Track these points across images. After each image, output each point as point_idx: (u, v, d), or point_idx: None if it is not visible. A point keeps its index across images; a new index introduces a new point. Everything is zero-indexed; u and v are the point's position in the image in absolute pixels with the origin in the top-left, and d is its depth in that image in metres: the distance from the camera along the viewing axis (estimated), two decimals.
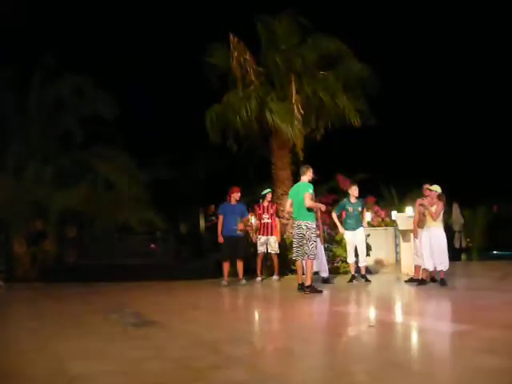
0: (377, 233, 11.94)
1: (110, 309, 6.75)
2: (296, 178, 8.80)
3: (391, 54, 19.23)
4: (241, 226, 9.54)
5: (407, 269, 9.79)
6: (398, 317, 5.85)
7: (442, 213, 8.17)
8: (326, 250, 9.85)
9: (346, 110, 11.40)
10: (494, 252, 15.86)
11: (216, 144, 11.83)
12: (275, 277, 10.08)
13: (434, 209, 8.08)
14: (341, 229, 9.38)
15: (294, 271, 9.46)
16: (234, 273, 9.74)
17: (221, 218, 9.57)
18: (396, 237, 11.80)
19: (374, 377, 3.26)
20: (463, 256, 15.58)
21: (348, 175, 12.91)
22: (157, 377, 3.38)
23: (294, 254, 8.01)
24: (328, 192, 12.85)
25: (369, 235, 10.55)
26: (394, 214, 10.91)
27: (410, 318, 5.63)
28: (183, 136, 16.40)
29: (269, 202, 10.32)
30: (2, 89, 12.43)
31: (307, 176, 8.04)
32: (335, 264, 10.64)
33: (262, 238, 10.06)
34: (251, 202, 10.71)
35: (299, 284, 7.93)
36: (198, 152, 16.61)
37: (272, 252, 10.08)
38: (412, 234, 9.22)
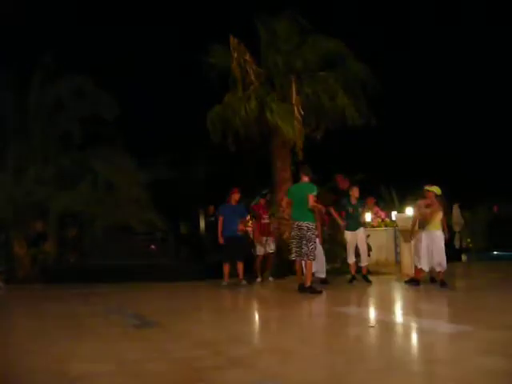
0: (377, 233, 11.95)
1: (111, 310, 6.75)
2: (296, 179, 8.79)
3: (391, 54, 19.23)
4: (241, 227, 9.53)
5: (407, 269, 9.79)
6: (398, 317, 5.85)
7: (439, 214, 8.16)
8: (325, 250, 9.84)
9: (345, 111, 11.40)
10: (494, 253, 15.85)
11: (216, 144, 11.84)
12: (271, 278, 10.12)
13: (430, 210, 8.10)
14: (340, 221, 9.37)
15: (294, 272, 9.44)
16: (234, 274, 9.73)
17: (221, 218, 9.56)
18: (396, 237, 11.80)
19: (374, 377, 3.25)
20: (463, 256, 15.58)
21: (348, 175, 12.91)
22: (157, 378, 3.38)
23: (294, 255, 7.92)
24: (328, 192, 12.84)
25: (369, 236, 10.55)
26: (394, 215, 10.92)
27: (410, 319, 5.63)
28: (183, 136, 16.39)
29: (265, 202, 10.34)
30: (2, 89, 12.43)
31: (309, 176, 8.03)
32: (335, 264, 10.64)
33: (263, 239, 10.07)
34: (249, 202, 10.70)
35: (300, 284, 7.92)
36: (198, 152, 16.59)
37: (270, 252, 10.09)
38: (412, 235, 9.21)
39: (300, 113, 11.03)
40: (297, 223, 7.84)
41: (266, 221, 10.18)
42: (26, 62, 12.71)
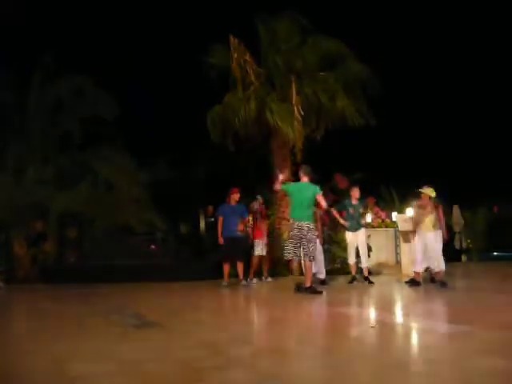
0: (377, 234, 11.94)
1: (111, 310, 6.75)
2: (296, 179, 8.78)
3: (391, 54, 19.23)
4: (241, 227, 9.52)
5: (407, 270, 9.78)
6: (399, 318, 5.85)
7: (432, 216, 8.15)
8: (325, 251, 9.84)
9: (345, 111, 11.41)
10: (495, 253, 15.86)
11: (216, 144, 11.85)
12: (269, 278, 10.12)
13: (419, 211, 8.11)
14: (343, 222, 9.35)
15: (290, 272, 9.45)
16: (234, 274, 9.73)
17: (221, 219, 9.55)
18: (396, 238, 11.80)
19: (374, 377, 3.25)
20: (463, 257, 15.59)
21: (347, 175, 12.91)
22: (157, 378, 3.37)
23: (290, 255, 7.85)
24: (328, 192, 12.83)
25: (369, 236, 10.55)
26: (395, 215, 10.92)
27: (411, 319, 5.62)
28: (183, 136, 16.40)
29: (262, 203, 10.35)
30: (2, 89, 12.43)
31: (309, 176, 8.01)
32: (335, 265, 10.63)
33: (261, 241, 10.06)
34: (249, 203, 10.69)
35: (296, 285, 7.90)
36: (198, 152, 16.60)
37: (264, 253, 10.09)
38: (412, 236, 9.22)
39: (300, 113, 11.04)
40: (297, 223, 7.79)
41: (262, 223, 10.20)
42: (25, 62, 12.73)
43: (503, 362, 3.44)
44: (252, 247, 10.14)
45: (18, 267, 12.43)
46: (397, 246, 11.89)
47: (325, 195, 9.97)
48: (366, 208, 9.64)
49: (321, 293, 7.69)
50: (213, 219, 11.82)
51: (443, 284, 7.96)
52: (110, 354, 4.06)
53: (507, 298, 6.81)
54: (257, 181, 12.76)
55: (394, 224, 11.55)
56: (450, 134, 21.36)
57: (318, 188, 7.85)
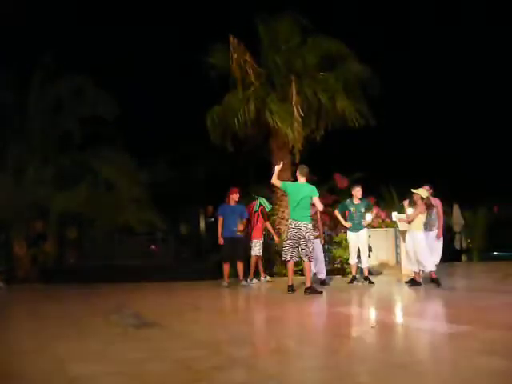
0: (377, 234, 11.93)
1: (111, 310, 6.74)
2: (295, 179, 8.76)
3: (391, 54, 19.24)
4: (241, 227, 9.52)
5: (407, 270, 9.77)
6: (399, 318, 5.84)
7: (422, 216, 8.17)
8: (325, 251, 9.83)
9: (345, 111, 11.40)
10: (495, 253, 15.86)
11: (216, 145, 11.84)
12: (268, 277, 10.12)
13: (410, 210, 8.12)
14: (345, 223, 9.33)
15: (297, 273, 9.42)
16: (234, 274, 9.73)
17: (221, 219, 9.54)
18: (396, 238, 11.79)
19: (374, 378, 3.25)
20: (463, 257, 15.59)
21: (347, 175, 12.91)
22: (157, 378, 3.37)
23: (288, 256, 7.84)
24: (328, 193, 12.85)
25: (369, 236, 10.54)
26: (395, 215, 10.90)
27: (411, 319, 5.62)
28: (183, 136, 16.41)
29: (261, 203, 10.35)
30: (2, 89, 12.43)
31: (306, 177, 8.01)
32: (335, 265, 10.63)
33: (260, 241, 10.05)
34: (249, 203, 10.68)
35: (289, 286, 7.88)
36: (198, 153, 16.62)
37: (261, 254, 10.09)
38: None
39: (300, 113, 11.03)
40: (295, 223, 7.79)
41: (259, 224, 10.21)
42: (26, 61, 12.72)
43: (503, 362, 3.44)
44: (250, 247, 10.13)
45: (17, 267, 12.43)
46: (397, 246, 11.88)
47: (323, 196, 10.01)
48: (369, 208, 9.53)
49: (321, 293, 7.69)
50: (213, 219, 11.82)
51: (433, 281, 7.97)
52: (110, 354, 4.06)
53: (507, 298, 6.81)
54: (256, 181, 12.77)
55: (393, 224, 11.54)
56: (450, 133, 21.37)
57: (315, 190, 7.86)
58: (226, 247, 9.45)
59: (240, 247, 9.54)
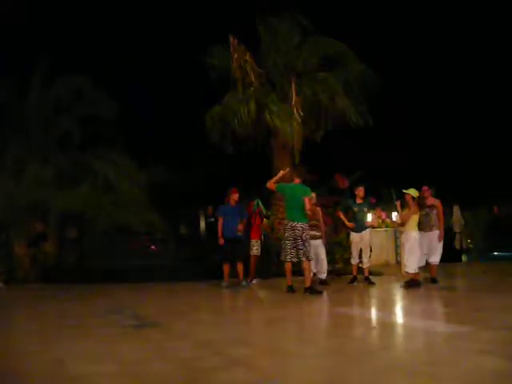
0: (377, 234, 11.95)
1: (111, 310, 6.74)
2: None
3: (391, 54, 19.23)
4: (241, 227, 9.51)
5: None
6: (399, 318, 5.84)
7: (416, 216, 8.17)
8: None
9: (345, 111, 11.40)
10: (495, 253, 15.85)
11: (216, 145, 11.83)
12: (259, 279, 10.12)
13: (405, 212, 8.12)
14: (348, 224, 9.31)
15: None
16: (234, 274, 9.71)
17: (221, 219, 9.53)
18: (396, 238, 11.80)
19: (374, 378, 3.25)
20: (464, 257, 15.59)
21: (347, 175, 12.89)
22: (157, 378, 3.37)
23: (288, 257, 7.86)
24: (328, 193, 12.82)
25: None
26: (395, 215, 10.91)
27: (411, 320, 5.62)
28: (183, 136, 16.41)
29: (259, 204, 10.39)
30: (2, 89, 12.42)
31: (300, 178, 8.01)
32: (336, 265, 10.62)
33: (258, 241, 10.07)
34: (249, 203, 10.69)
35: (288, 286, 7.89)
36: (198, 153, 16.61)
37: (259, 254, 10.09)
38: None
39: (299, 114, 11.02)
40: (291, 224, 7.82)
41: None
42: (25, 61, 12.73)
43: (503, 361, 3.44)
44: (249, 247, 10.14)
45: (17, 267, 12.41)
46: (397, 246, 11.90)
47: (324, 196, 10.00)
48: (372, 208, 9.49)
49: (321, 293, 7.69)
50: (213, 219, 11.81)
51: (410, 286, 7.97)
52: (110, 355, 4.06)
53: (507, 298, 6.80)
54: (256, 182, 12.76)
55: (393, 224, 11.55)
56: (451, 133, 21.36)
57: (308, 190, 7.86)
58: (226, 247, 9.44)
59: (240, 247, 9.54)
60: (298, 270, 8.46)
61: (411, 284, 8.34)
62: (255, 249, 9.92)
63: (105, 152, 12.89)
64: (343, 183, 11.91)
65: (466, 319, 5.21)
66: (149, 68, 20.24)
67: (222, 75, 11.79)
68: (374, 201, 12.60)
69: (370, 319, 5.79)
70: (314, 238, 8.86)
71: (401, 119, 19.21)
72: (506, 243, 15.34)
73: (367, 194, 9.53)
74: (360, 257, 9.34)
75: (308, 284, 7.67)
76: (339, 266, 10.71)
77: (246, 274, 9.73)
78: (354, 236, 9.29)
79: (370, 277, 9.27)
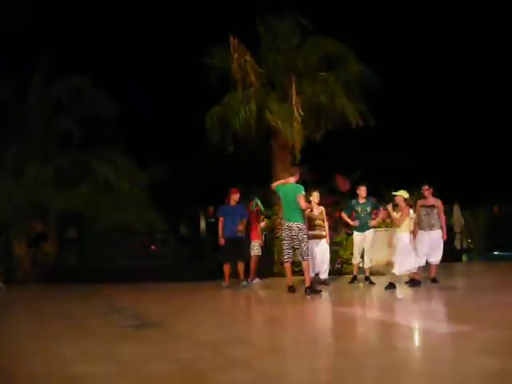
0: (377, 234, 11.92)
1: (111, 310, 6.75)
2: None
3: (391, 54, 19.22)
4: (241, 227, 9.52)
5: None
6: (398, 318, 5.84)
7: (408, 217, 8.17)
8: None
9: (346, 111, 11.40)
10: (495, 253, 15.85)
11: (216, 145, 11.83)
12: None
13: (399, 215, 8.11)
14: (352, 222, 9.29)
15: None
16: (234, 274, 9.71)
17: (221, 220, 9.54)
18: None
19: (374, 378, 3.25)
20: (464, 257, 15.59)
21: (348, 175, 12.88)
22: (158, 378, 3.37)
23: (286, 257, 7.86)
24: (328, 193, 12.83)
25: None
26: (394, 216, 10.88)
27: (410, 319, 5.62)
28: (184, 137, 16.40)
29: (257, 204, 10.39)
30: (2, 88, 12.43)
31: (295, 177, 8.00)
32: (336, 265, 10.62)
33: (258, 242, 10.07)
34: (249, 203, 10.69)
35: (288, 286, 7.89)
36: (198, 153, 16.60)
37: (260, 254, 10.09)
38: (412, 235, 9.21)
39: (300, 113, 11.02)
40: (287, 224, 7.83)
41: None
42: (25, 61, 12.73)
43: (503, 362, 3.44)
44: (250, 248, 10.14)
45: (17, 267, 12.42)
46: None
47: (324, 196, 9.99)
48: (375, 207, 9.45)
49: (320, 292, 7.68)
50: (213, 220, 11.82)
51: (389, 286, 7.95)
52: (111, 355, 4.05)
53: (507, 298, 6.80)
54: (257, 182, 12.76)
55: (393, 224, 11.53)
56: (451, 133, 21.35)
57: (299, 189, 7.82)
58: (226, 247, 9.44)
59: (240, 247, 9.54)
60: (299, 269, 8.47)
61: (413, 283, 8.34)
62: (256, 249, 9.92)
63: (105, 152, 12.90)
64: (344, 186, 11.91)
65: (466, 319, 5.21)
66: (149, 68, 20.23)
67: (222, 75, 11.79)
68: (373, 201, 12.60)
69: (369, 319, 5.79)
70: (319, 237, 8.87)
71: (401, 119, 19.19)
72: (506, 243, 15.34)
73: (367, 194, 9.51)
74: (362, 257, 9.32)
75: (308, 283, 7.68)
76: (339, 265, 10.71)
77: (247, 274, 9.73)
78: (356, 235, 9.27)
79: (371, 277, 9.27)
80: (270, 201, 11.69)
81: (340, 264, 11.08)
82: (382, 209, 9.45)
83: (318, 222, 8.93)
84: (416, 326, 5.25)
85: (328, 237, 9.12)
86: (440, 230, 8.50)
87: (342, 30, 12.59)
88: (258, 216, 10.20)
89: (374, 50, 15.66)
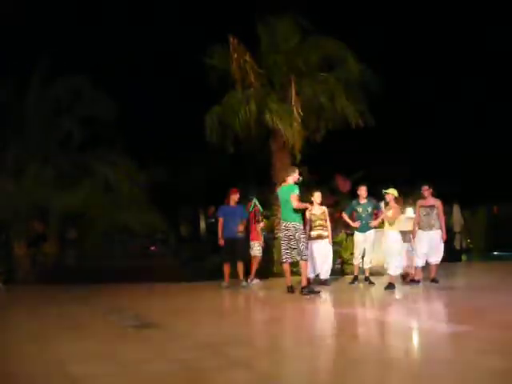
0: (378, 234, 11.91)
1: (111, 311, 6.74)
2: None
3: (391, 54, 19.22)
4: (241, 228, 9.52)
5: (407, 269, 9.75)
6: (398, 318, 5.84)
7: (400, 216, 8.18)
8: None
9: (346, 111, 11.40)
10: (495, 253, 15.86)
11: (216, 145, 11.83)
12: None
13: (390, 213, 8.11)
14: (353, 223, 9.29)
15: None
16: (234, 274, 9.71)
17: (221, 220, 9.54)
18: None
19: (374, 378, 3.25)
20: (463, 257, 15.59)
21: (348, 175, 12.88)
22: (157, 378, 3.37)
23: (284, 257, 7.86)
24: (329, 193, 12.82)
25: None
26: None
27: (410, 319, 5.61)
28: (183, 137, 16.39)
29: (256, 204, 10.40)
30: (2, 89, 12.43)
31: (292, 177, 7.99)
32: (336, 265, 10.61)
33: (258, 242, 10.07)
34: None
35: (288, 286, 7.90)
36: (198, 153, 16.61)
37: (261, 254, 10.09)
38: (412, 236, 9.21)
39: (299, 113, 11.03)
40: (284, 224, 7.85)
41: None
42: (25, 61, 12.73)
43: (503, 361, 3.44)
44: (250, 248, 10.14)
45: (17, 268, 12.42)
46: None
47: (324, 196, 9.99)
48: (376, 207, 9.44)
49: (318, 292, 7.66)
50: (213, 220, 11.83)
51: (390, 286, 7.95)
52: (110, 355, 4.05)
53: (507, 298, 6.80)
54: (257, 182, 12.77)
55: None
56: (451, 133, 21.34)
57: (293, 189, 7.79)
58: (226, 248, 9.45)
59: (240, 248, 9.54)
60: (297, 270, 8.46)
61: (412, 282, 8.35)
62: (256, 249, 9.93)
63: (104, 152, 12.91)
64: (344, 186, 11.91)
65: (466, 319, 5.21)
66: (149, 68, 20.22)
67: (221, 75, 11.80)
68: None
69: (369, 319, 5.79)
70: (321, 237, 8.86)
71: (401, 119, 19.18)
72: (506, 243, 15.34)
73: (368, 193, 9.50)
74: (362, 257, 9.31)
75: (304, 283, 7.67)
76: (339, 265, 10.71)
77: (247, 274, 9.73)
78: (357, 236, 9.26)
79: (371, 277, 9.26)
80: (269, 201, 11.70)
81: (340, 264, 11.07)
82: (382, 209, 9.44)
83: (319, 222, 8.91)
84: (416, 326, 5.24)
85: (330, 237, 9.10)
86: (440, 230, 8.49)
87: (342, 30, 12.58)
88: (257, 216, 10.20)
89: (374, 50, 15.65)
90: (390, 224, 8.15)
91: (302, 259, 7.73)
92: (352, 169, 13.29)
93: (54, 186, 12.31)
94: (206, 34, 15.33)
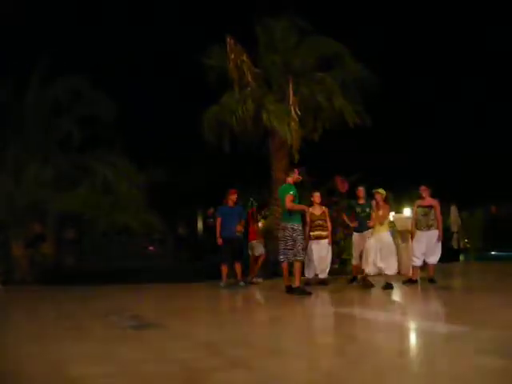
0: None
1: (109, 311, 6.74)
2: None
3: (391, 54, 19.25)
4: (239, 228, 9.53)
5: (405, 270, 9.78)
6: (397, 318, 5.84)
7: (389, 216, 8.22)
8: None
9: (343, 111, 11.41)
10: (492, 253, 15.88)
11: (215, 146, 11.84)
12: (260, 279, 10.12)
13: (380, 212, 8.12)
14: (351, 223, 9.31)
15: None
16: (233, 274, 9.72)
17: (219, 220, 9.56)
18: (394, 238, 11.79)
19: (373, 378, 3.25)
20: (461, 257, 15.61)
21: (346, 176, 12.86)
22: (157, 379, 3.37)
23: (282, 257, 7.88)
24: (328, 194, 12.82)
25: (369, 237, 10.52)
26: (392, 216, 10.91)
27: (409, 319, 5.63)
28: (183, 137, 16.40)
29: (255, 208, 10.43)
30: (1, 89, 12.41)
31: (291, 178, 8.01)
32: (335, 265, 10.62)
33: (258, 241, 10.09)
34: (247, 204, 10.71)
35: (286, 286, 7.91)
36: (197, 154, 16.61)
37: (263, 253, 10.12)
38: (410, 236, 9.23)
39: (297, 113, 11.03)
40: (282, 224, 7.89)
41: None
42: (25, 62, 12.71)
43: (503, 361, 3.45)
44: (249, 248, 10.15)
45: (16, 269, 12.40)
46: (395, 246, 11.88)
47: (324, 196, 10.00)
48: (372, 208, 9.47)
49: (309, 294, 7.63)
50: (212, 220, 11.83)
51: (388, 286, 7.98)
52: (110, 356, 4.05)
53: (506, 298, 6.82)
54: (255, 182, 12.77)
55: (392, 224, 11.55)
56: (450, 133, 21.38)
57: (287, 189, 7.81)
58: (224, 248, 9.46)
59: (238, 248, 9.56)
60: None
61: (411, 282, 8.37)
62: (258, 248, 9.96)
63: (104, 153, 12.88)
64: (343, 187, 11.91)
65: (464, 319, 5.22)
66: (148, 68, 20.23)
67: (219, 75, 11.80)
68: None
69: (368, 319, 5.79)
70: (321, 237, 8.88)
71: (401, 119, 19.21)
72: (504, 243, 15.37)
73: (367, 194, 9.51)
74: (361, 257, 9.32)
75: (297, 284, 7.68)
76: (336, 266, 10.72)
77: (247, 274, 9.74)
78: (356, 236, 9.27)
79: (369, 277, 9.26)
80: (268, 201, 11.71)
81: (338, 264, 11.08)
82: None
83: (318, 222, 8.93)
84: (414, 325, 5.26)
85: (330, 237, 9.12)
86: (437, 230, 8.52)
87: (340, 30, 12.60)
88: (255, 216, 10.22)
89: (374, 49, 15.69)
90: (381, 224, 8.17)
91: (297, 260, 7.73)
92: (351, 169, 13.28)
93: (53, 186, 12.30)
94: (205, 34, 15.35)
